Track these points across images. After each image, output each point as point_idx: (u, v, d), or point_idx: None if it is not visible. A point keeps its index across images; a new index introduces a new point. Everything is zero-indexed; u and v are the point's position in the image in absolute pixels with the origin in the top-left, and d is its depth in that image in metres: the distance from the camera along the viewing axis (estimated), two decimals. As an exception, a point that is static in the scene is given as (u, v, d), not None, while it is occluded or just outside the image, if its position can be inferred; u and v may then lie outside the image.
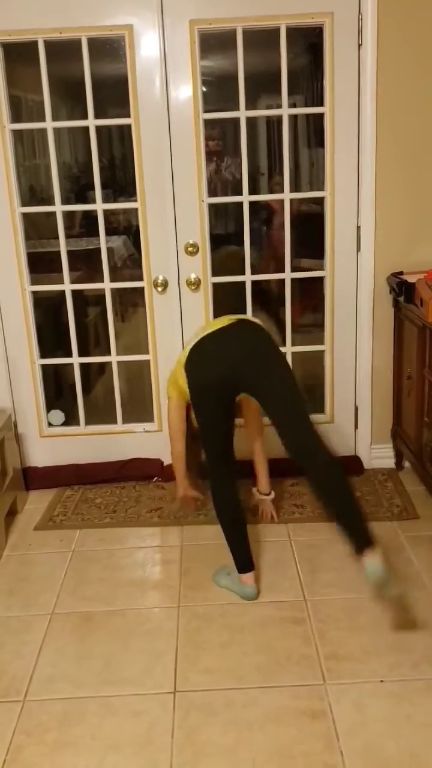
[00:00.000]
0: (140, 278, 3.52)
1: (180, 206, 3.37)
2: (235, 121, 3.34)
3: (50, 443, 3.74)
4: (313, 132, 4.86)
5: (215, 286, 3.51)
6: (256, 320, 2.79)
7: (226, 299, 3.59)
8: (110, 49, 3.38)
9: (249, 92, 3.27)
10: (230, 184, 4.06)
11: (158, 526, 3.27)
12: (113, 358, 3.66)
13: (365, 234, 3.41)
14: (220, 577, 2.80)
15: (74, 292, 3.58)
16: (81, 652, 2.45)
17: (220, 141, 5.04)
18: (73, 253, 3.56)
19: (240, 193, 3.41)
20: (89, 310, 4.31)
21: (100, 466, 3.70)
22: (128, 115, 3.29)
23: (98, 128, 3.35)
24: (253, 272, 3.52)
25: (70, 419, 3.80)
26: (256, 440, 3.04)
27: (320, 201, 3.48)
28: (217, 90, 3.74)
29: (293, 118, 3.39)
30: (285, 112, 3.30)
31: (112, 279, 3.55)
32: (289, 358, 3.63)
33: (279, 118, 3.35)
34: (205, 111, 3.29)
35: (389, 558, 2.90)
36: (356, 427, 3.71)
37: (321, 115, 3.33)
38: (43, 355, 3.64)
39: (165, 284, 3.48)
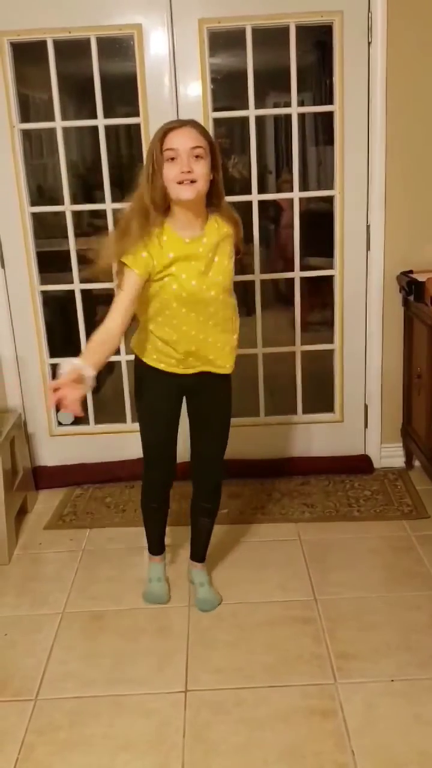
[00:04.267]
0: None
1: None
2: (243, 119, 3.35)
3: (60, 442, 3.75)
4: (321, 130, 4.86)
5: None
6: None
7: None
8: (119, 48, 3.38)
9: (257, 90, 3.27)
10: (238, 182, 4.05)
11: (167, 525, 3.26)
12: (122, 357, 3.66)
13: (375, 232, 3.40)
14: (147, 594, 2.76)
15: (83, 292, 3.58)
16: (92, 651, 2.46)
17: (227, 139, 5.05)
18: (82, 252, 3.56)
19: (248, 191, 3.41)
20: (98, 309, 4.31)
21: (110, 465, 3.70)
22: (137, 114, 3.29)
23: (107, 127, 3.35)
24: (261, 271, 3.52)
25: (80, 418, 3.80)
26: None
27: (329, 199, 3.48)
28: (225, 87, 3.74)
29: (302, 116, 3.39)
30: (294, 110, 3.30)
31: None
32: (298, 357, 3.65)
33: (287, 116, 3.34)
34: (214, 109, 3.29)
35: (399, 559, 2.91)
36: (366, 426, 3.70)
37: (330, 113, 3.33)
38: (52, 355, 3.65)
39: (174, 283, 3.47)
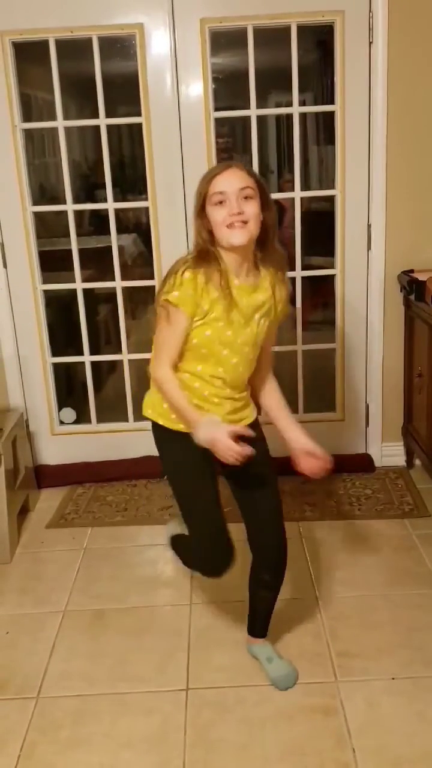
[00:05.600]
0: (151, 276, 3.53)
1: (191, 204, 3.36)
2: (245, 118, 3.35)
3: (62, 441, 3.76)
4: (322, 129, 4.86)
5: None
6: None
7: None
8: (121, 47, 3.39)
9: (259, 89, 3.27)
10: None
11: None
12: (124, 356, 3.67)
13: (376, 232, 3.40)
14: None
15: (85, 291, 3.59)
16: (93, 650, 2.47)
17: (229, 138, 5.04)
18: (83, 252, 3.58)
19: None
20: (100, 308, 4.32)
21: (112, 464, 3.71)
22: (139, 114, 3.30)
23: (108, 127, 3.36)
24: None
25: (82, 417, 3.82)
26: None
27: (330, 199, 3.48)
28: (227, 87, 3.74)
29: (303, 116, 3.39)
30: (296, 110, 3.30)
31: (123, 277, 3.56)
32: (299, 356, 3.65)
33: (289, 116, 3.35)
34: (216, 109, 3.29)
35: (400, 558, 2.91)
36: (367, 424, 3.71)
37: (331, 113, 3.33)
38: (54, 354, 3.66)
39: (176, 283, 3.47)
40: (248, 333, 2.08)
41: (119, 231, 3.52)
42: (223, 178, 1.99)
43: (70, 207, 3.45)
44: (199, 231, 2.04)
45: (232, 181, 1.99)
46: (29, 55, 3.31)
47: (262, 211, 2.01)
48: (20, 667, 2.40)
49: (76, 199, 3.49)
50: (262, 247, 2.08)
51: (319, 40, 3.76)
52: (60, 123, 3.32)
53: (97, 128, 3.37)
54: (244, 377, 2.17)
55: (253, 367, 2.19)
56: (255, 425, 2.24)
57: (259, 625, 2.35)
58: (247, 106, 3.29)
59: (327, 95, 3.45)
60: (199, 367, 2.10)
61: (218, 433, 1.92)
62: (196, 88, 3.25)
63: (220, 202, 1.99)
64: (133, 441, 3.73)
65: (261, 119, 3.42)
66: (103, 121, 3.32)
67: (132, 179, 4.51)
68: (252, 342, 2.11)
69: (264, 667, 2.30)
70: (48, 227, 3.98)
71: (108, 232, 3.50)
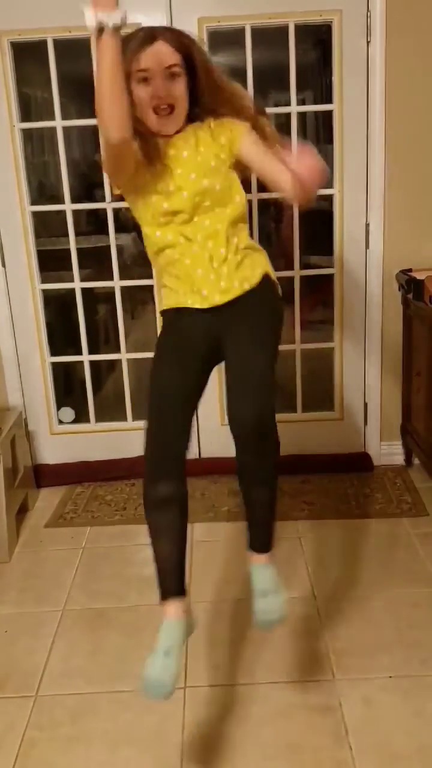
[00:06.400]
0: (149, 276, 3.53)
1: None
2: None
3: (61, 441, 3.76)
4: (321, 128, 4.86)
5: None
6: None
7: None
8: (119, 47, 3.39)
9: (258, 88, 3.28)
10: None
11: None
12: (123, 356, 3.68)
13: (374, 231, 3.41)
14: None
15: (84, 290, 3.59)
16: (92, 648, 2.48)
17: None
18: (82, 251, 3.58)
19: (248, 190, 3.41)
20: (99, 307, 4.32)
21: (111, 464, 3.71)
22: (137, 114, 3.30)
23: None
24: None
25: (81, 417, 3.82)
26: None
27: (329, 198, 3.49)
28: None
29: (302, 115, 3.40)
30: (294, 109, 3.31)
31: (122, 276, 3.57)
32: (297, 355, 3.65)
33: (287, 115, 3.35)
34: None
35: (398, 557, 2.92)
36: (365, 423, 3.71)
37: (329, 112, 3.34)
38: (53, 353, 3.66)
39: (174, 282, 3.48)
40: (189, 189, 1.93)
41: (118, 230, 3.52)
42: (149, 54, 1.86)
43: (68, 206, 3.45)
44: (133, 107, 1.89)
45: (160, 58, 1.85)
46: (28, 54, 3.32)
47: (198, 75, 1.88)
48: (19, 665, 2.41)
49: (75, 199, 3.49)
50: (199, 109, 1.94)
51: (318, 40, 3.76)
52: (58, 123, 3.32)
53: (95, 128, 3.35)
54: (218, 229, 1.98)
55: (228, 219, 2.00)
56: (267, 285, 2.05)
57: (255, 534, 1.99)
58: (245, 106, 3.29)
59: (326, 94, 3.46)
60: (160, 232, 2.00)
61: None
62: (195, 88, 3.25)
63: (145, 80, 1.87)
64: (132, 440, 3.72)
65: (259, 119, 3.42)
66: (101, 121, 3.32)
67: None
68: (200, 192, 1.93)
69: (254, 598, 1.97)
70: (47, 227, 3.98)
71: (107, 232, 3.50)
